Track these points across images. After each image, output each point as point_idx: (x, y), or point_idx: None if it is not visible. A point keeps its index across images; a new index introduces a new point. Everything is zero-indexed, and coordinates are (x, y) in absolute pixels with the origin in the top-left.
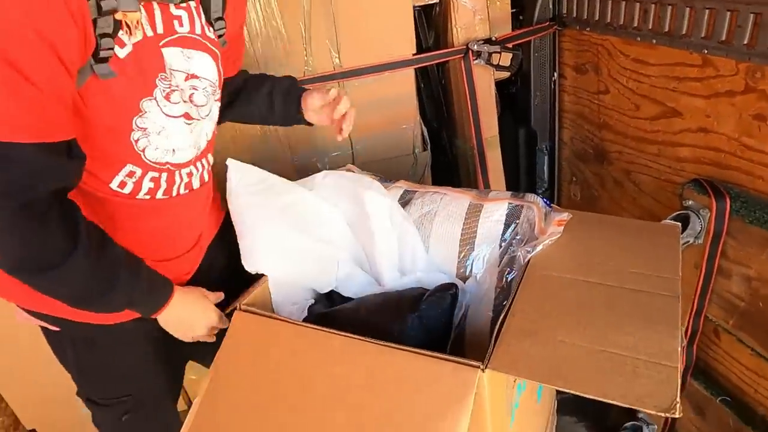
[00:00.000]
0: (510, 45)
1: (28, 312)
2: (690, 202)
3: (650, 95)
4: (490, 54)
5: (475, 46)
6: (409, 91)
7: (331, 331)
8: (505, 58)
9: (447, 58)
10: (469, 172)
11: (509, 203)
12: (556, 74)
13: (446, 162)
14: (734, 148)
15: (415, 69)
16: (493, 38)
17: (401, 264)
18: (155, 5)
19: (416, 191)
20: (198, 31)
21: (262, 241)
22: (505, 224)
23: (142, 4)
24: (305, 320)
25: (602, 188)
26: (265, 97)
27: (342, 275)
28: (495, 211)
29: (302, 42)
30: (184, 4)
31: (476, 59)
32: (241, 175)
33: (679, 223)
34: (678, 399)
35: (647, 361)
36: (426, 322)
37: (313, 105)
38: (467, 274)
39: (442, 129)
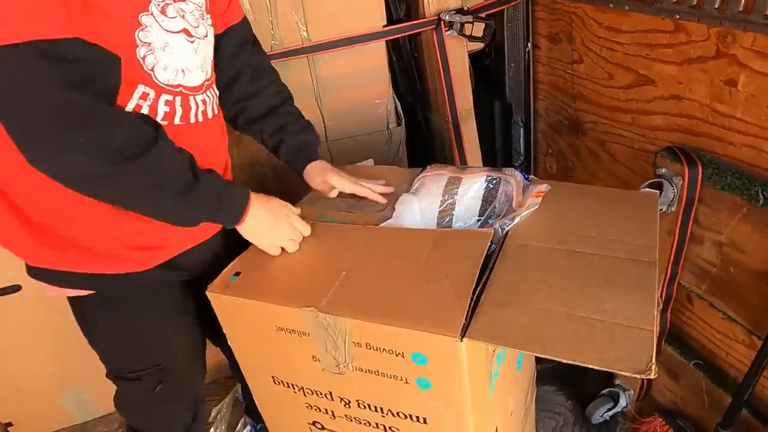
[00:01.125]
0: (482, 14)
1: (58, 277)
2: (663, 170)
3: (623, 63)
4: (462, 24)
5: (447, 17)
6: (381, 65)
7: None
8: (478, 29)
9: (418, 30)
10: (445, 147)
11: (487, 176)
12: (530, 44)
13: (421, 137)
14: (706, 115)
15: (387, 42)
16: (465, 8)
17: None
18: None
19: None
20: None
21: None
22: (482, 200)
23: None
24: None
25: (577, 159)
26: (273, 138)
27: None
28: (472, 186)
29: (268, 15)
30: None
31: (448, 30)
32: None
33: (657, 191)
34: (653, 360)
35: (624, 325)
36: None
37: (324, 185)
38: None
39: (416, 103)
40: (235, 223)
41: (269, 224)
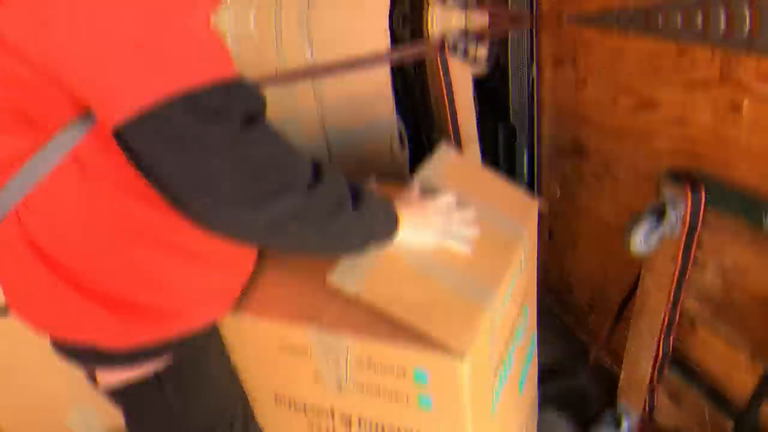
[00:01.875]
0: (487, 38)
1: (132, 358)
2: (666, 194)
3: (627, 87)
4: (466, 47)
5: (451, 39)
6: (385, 86)
7: None
8: (482, 51)
9: (422, 53)
10: None
11: None
12: (534, 68)
13: (424, 158)
14: (710, 138)
15: (391, 63)
16: (470, 31)
17: None
18: None
19: None
20: None
21: None
22: None
23: None
24: None
25: (581, 183)
26: None
27: None
28: None
29: (273, 38)
30: None
31: (452, 52)
32: None
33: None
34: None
35: None
36: None
37: None
38: None
39: (419, 124)
40: (389, 237)
41: (422, 219)
